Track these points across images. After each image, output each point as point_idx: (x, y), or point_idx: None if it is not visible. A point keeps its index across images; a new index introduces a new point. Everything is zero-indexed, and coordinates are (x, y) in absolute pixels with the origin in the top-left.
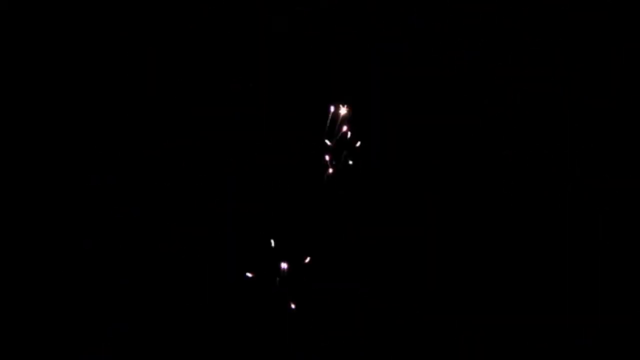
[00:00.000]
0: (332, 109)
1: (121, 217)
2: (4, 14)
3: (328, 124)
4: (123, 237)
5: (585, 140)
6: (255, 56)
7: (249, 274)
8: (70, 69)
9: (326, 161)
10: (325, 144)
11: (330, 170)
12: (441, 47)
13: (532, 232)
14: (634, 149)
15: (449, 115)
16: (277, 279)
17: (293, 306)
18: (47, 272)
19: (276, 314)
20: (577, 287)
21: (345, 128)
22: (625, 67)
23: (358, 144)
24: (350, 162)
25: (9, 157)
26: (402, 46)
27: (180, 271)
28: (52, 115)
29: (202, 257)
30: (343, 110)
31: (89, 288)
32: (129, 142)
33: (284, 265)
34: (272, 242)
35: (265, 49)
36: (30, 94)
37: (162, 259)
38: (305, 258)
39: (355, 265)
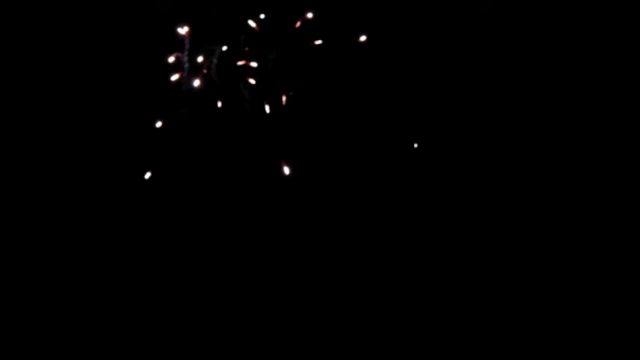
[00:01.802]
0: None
1: (121, 217)
2: (4, 14)
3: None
4: (123, 237)
5: (585, 140)
6: (254, 57)
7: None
8: (69, 69)
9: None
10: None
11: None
12: (441, 46)
13: (532, 232)
14: (634, 148)
15: (448, 115)
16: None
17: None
18: (47, 272)
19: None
20: (577, 287)
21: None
22: (626, 67)
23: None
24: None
25: (9, 157)
26: (401, 46)
27: (179, 271)
28: (52, 115)
29: (201, 256)
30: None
31: (89, 288)
32: (129, 142)
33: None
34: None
35: (264, 49)
36: (29, 94)
37: (162, 259)
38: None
39: (354, 265)
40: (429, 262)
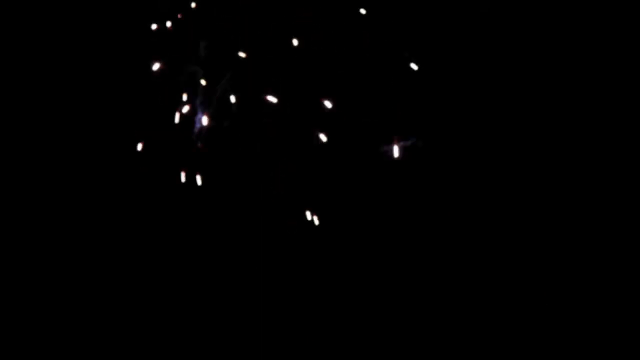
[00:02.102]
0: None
1: (121, 216)
2: (4, 14)
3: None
4: (122, 237)
5: (585, 140)
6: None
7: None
8: (64, 70)
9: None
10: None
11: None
12: (440, 46)
13: (531, 232)
14: (634, 148)
15: (447, 115)
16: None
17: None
18: (47, 271)
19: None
20: (577, 287)
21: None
22: (625, 67)
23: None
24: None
25: (9, 157)
26: (402, 50)
27: (179, 271)
28: (51, 114)
29: (202, 256)
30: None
31: (89, 288)
32: (127, 142)
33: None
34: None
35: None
36: (29, 94)
37: (162, 258)
38: None
39: (353, 264)
40: (429, 264)
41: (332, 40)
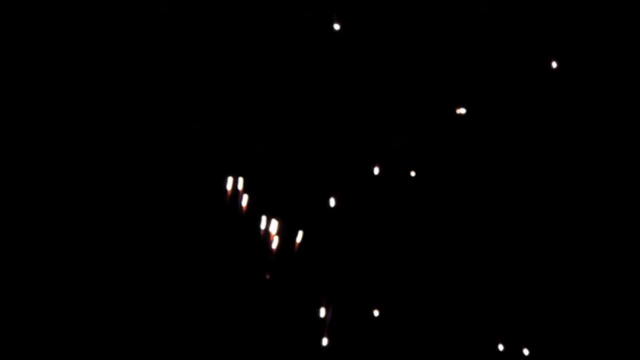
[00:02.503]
0: None
1: (121, 217)
2: (4, 14)
3: None
4: (122, 238)
5: (585, 140)
6: (248, 59)
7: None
8: (64, 70)
9: None
10: None
11: None
12: (440, 47)
13: (531, 233)
14: (634, 148)
15: (447, 115)
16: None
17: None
18: (47, 271)
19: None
20: (577, 288)
21: None
22: (625, 67)
23: None
24: None
25: (10, 157)
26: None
27: (179, 271)
28: (52, 114)
29: (201, 257)
30: None
31: (88, 288)
32: (126, 143)
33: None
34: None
35: (258, 53)
36: (29, 94)
37: (163, 258)
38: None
39: (353, 264)
40: (428, 265)
41: (332, 40)
